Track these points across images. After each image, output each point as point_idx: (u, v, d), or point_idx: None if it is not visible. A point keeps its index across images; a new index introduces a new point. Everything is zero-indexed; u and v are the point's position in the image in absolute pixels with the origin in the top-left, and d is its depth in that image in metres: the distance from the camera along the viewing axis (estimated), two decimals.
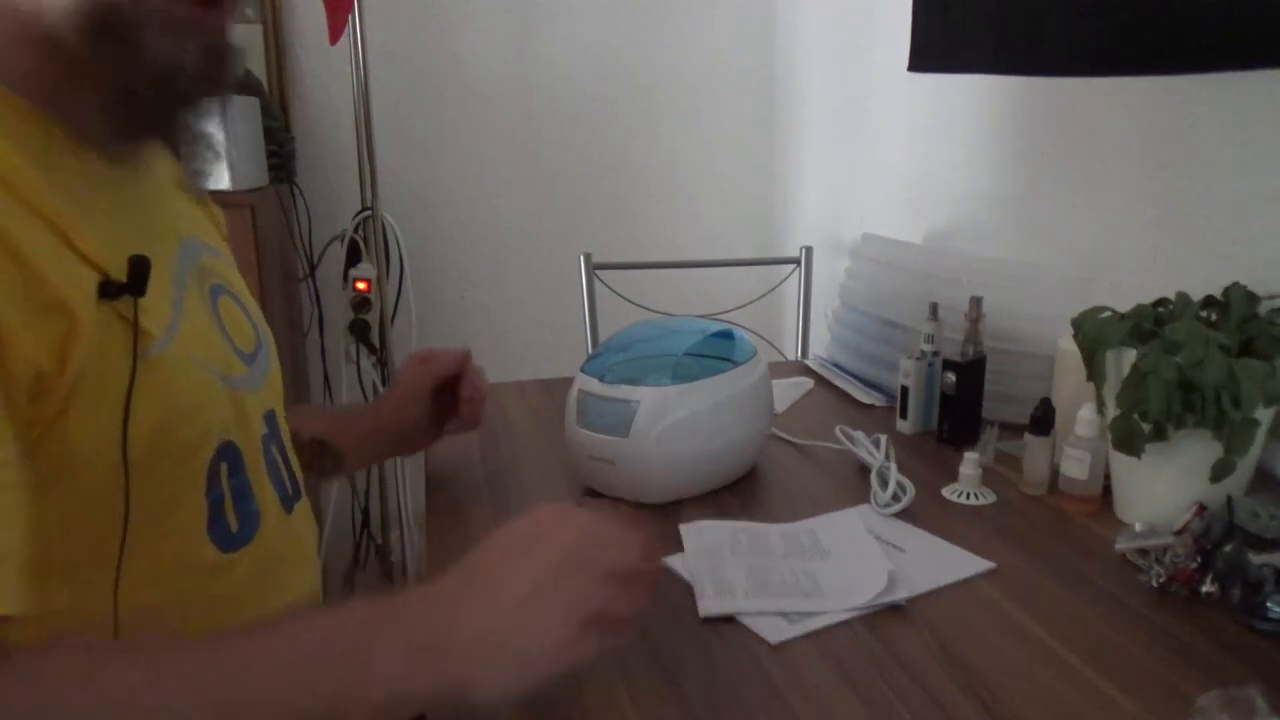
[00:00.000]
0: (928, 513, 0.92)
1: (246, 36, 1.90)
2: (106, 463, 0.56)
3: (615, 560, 0.59)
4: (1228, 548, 0.73)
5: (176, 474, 0.61)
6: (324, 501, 2.11)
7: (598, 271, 1.79)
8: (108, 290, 0.56)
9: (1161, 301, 0.91)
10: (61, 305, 0.53)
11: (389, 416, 1.00)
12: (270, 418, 0.74)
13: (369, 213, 1.91)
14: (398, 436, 1.01)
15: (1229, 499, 0.78)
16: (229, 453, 0.66)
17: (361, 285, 1.91)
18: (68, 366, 0.53)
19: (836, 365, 1.43)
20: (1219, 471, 0.79)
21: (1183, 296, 0.90)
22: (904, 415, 1.15)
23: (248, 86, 1.78)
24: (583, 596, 0.57)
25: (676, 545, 0.85)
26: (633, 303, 1.83)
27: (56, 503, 0.55)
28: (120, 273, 0.57)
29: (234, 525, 0.66)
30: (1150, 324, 0.86)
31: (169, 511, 0.61)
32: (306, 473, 0.99)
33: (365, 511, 2.13)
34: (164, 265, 0.64)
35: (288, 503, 0.75)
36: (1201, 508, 0.79)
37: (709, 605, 0.75)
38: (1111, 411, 0.83)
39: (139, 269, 0.57)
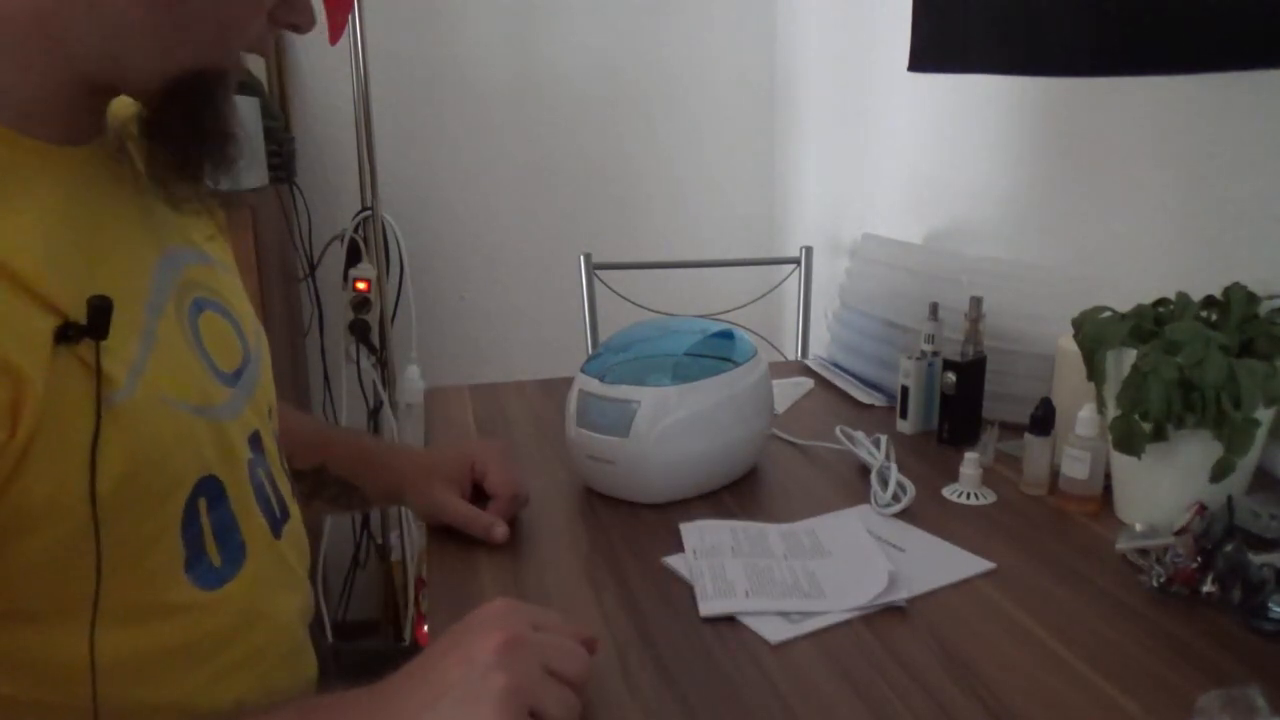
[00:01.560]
0: (928, 513, 0.92)
1: None
2: (71, 514, 0.54)
3: (555, 658, 0.58)
4: (1228, 548, 0.73)
5: (148, 519, 0.59)
6: None
7: (598, 271, 1.79)
8: (65, 335, 0.53)
9: (1161, 301, 0.91)
10: (8, 367, 0.50)
11: (413, 499, 0.93)
12: (255, 439, 0.71)
13: (369, 213, 1.91)
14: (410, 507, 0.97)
15: (1229, 499, 0.78)
16: (208, 488, 0.64)
17: (361, 285, 1.91)
18: (19, 429, 0.51)
19: (836, 365, 1.43)
20: (1219, 471, 0.79)
21: (1183, 296, 0.90)
22: (904, 415, 1.15)
23: (248, 86, 1.78)
24: (519, 688, 0.55)
25: (676, 545, 0.85)
26: (633, 303, 1.83)
27: (19, 556, 0.53)
28: (81, 314, 0.54)
29: (217, 561, 0.64)
30: (1150, 324, 0.87)
31: (142, 557, 0.59)
32: (332, 509, 0.97)
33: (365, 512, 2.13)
34: (136, 293, 0.61)
35: (276, 527, 0.72)
36: (1202, 508, 0.79)
37: (709, 605, 0.75)
38: (1111, 411, 0.83)
39: (100, 312, 0.54)
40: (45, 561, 0.54)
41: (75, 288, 0.54)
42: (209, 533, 0.64)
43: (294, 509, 0.77)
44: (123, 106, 0.65)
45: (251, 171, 1.60)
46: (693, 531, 0.88)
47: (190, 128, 0.61)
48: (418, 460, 0.95)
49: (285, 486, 0.77)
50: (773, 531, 0.88)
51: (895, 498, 0.93)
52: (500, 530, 0.86)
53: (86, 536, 0.54)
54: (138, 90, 0.61)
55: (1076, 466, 0.91)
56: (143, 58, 0.58)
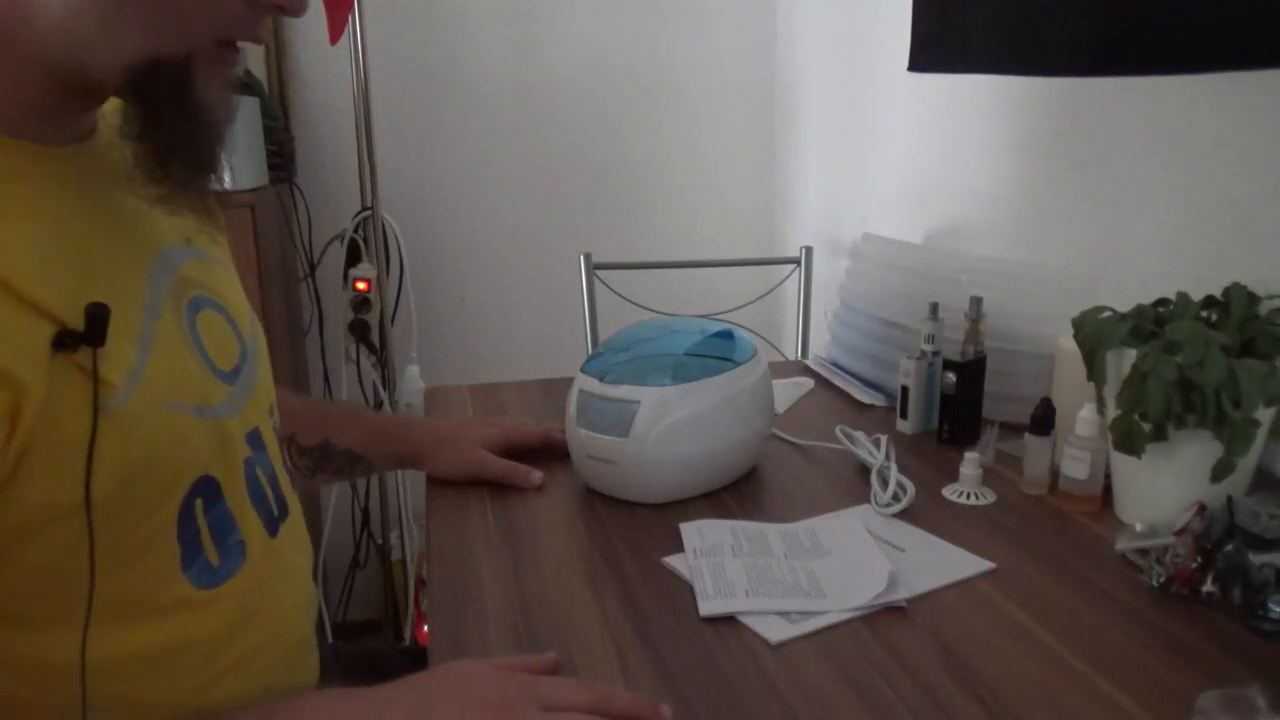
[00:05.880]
0: (928, 513, 0.92)
1: None
2: (67, 520, 0.54)
3: (548, 692, 0.61)
4: (1228, 548, 0.73)
5: (145, 521, 0.59)
6: (324, 501, 2.11)
7: (598, 271, 1.79)
8: (63, 342, 0.53)
9: (1161, 301, 0.91)
10: (7, 376, 0.50)
11: (436, 463, 1.02)
12: (255, 436, 0.71)
13: (369, 213, 1.91)
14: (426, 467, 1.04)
15: (1229, 499, 0.78)
16: (205, 487, 0.63)
17: (361, 285, 1.91)
18: (15, 436, 0.51)
19: (836, 365, 1.43)
20: (1219, 471, 0.79)
21: (1183, 296, 0.90)
22: (904, 415, 1.15)
23: (248, 86, 1.78)
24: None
25: (676, 545, 0.85)
26: (633, 303, 1.83)
27: (14, 561, 0.53)
28: (78, 320, 0.54)
29: (215, 560, 0.64)
30: (1150, 324, 0.86)
31: (138, 558, 0.59)
32: (336, 479, 1.02)
33: (365, 511, 2.13)
34: (133, 296, 0.61)
35: (273, 525, 0.72)
36: (1202, 508, 0.79)
37: (709, 605, 0.75)
38: (1111, 411, 0.83)
39: (97, 319, 0.54)
40: (40, 566, 0.54)
41: (71, 294, 0.54)
42: (206, 532, 0.64)
43: (294, 504, 0.77)
44: (114, 105, 0.64)
45: (248, 170, 1.60)
46: (693, 531, 0.88)
47: (160, 120, 0.59)
48: (437, 430, 1.04)
49: (286, 483, 0.76)
50: (773, 531, 0.88)
51: (895, 498, 0.93)
52: (537, 475, 0.99)
53: (82, 541, 0.54)
54: (101, 82, 0.59)
55: (1076, 466, 0.91)
56: (96, 45, 0.56)
